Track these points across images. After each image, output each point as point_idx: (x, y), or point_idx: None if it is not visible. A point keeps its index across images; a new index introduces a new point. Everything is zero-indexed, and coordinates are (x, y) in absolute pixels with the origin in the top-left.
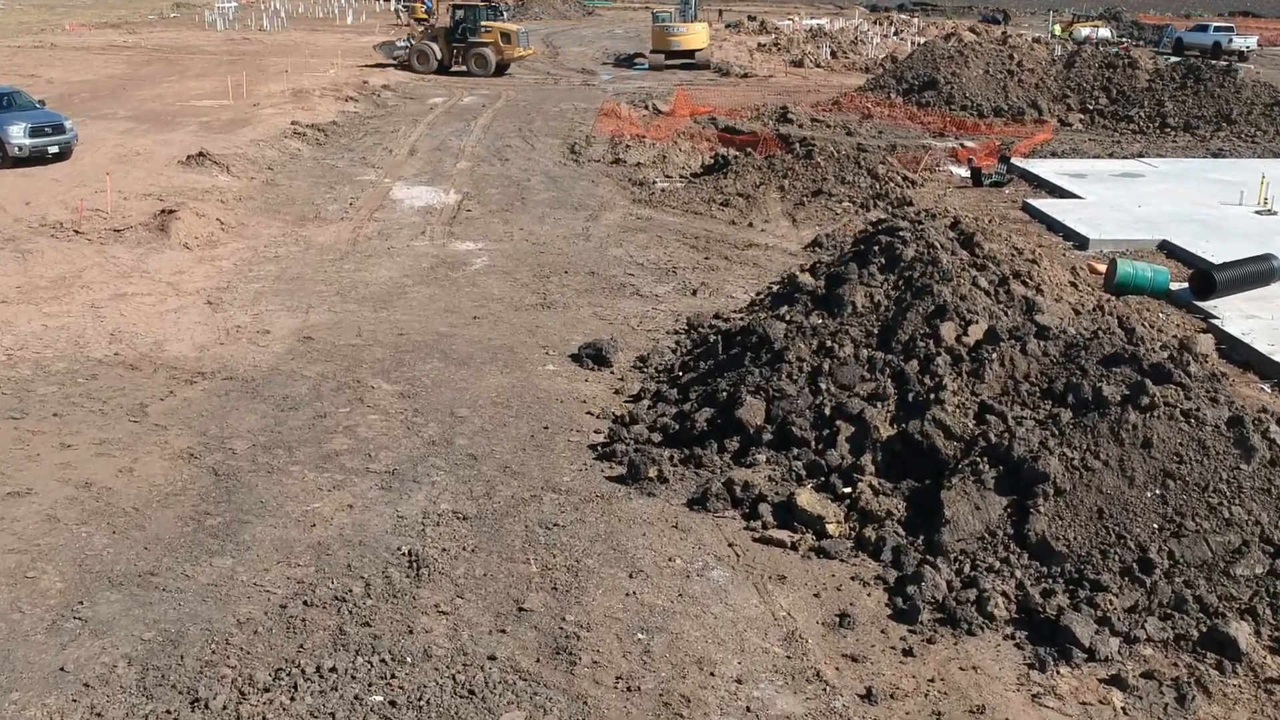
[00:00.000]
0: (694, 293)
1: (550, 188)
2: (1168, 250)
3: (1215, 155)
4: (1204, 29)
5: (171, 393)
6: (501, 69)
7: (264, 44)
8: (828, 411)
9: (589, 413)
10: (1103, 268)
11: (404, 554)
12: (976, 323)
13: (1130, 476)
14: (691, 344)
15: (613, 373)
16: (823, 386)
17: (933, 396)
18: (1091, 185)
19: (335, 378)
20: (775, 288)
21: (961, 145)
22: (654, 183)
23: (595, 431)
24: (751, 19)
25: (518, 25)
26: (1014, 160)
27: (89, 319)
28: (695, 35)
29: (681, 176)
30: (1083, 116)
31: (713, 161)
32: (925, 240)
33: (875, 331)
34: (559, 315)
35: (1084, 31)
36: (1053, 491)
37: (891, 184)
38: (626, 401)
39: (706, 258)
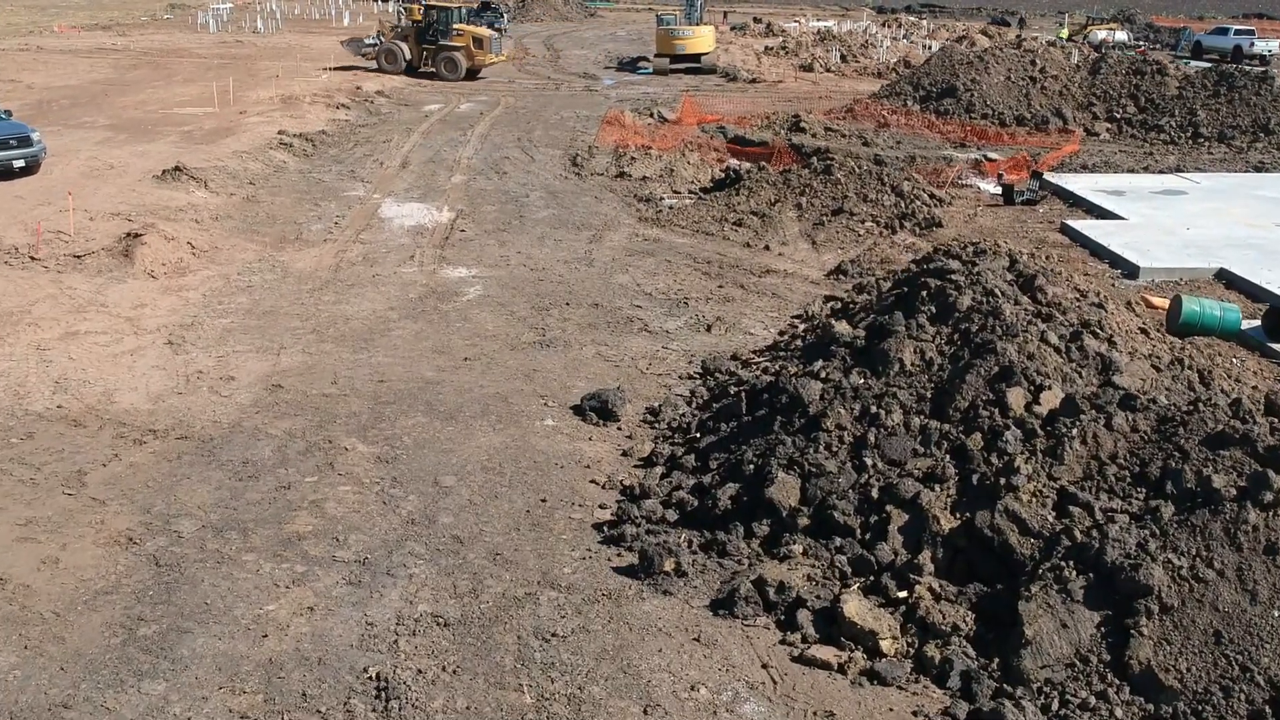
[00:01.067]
0: (708, 328)
1: (550, 204)
2: (1226, 280)
3: (1258, 169)
4: (1223, 32)
5: (116, 456)
6: (472, 74)
7: (256, 47)
8: (875, 494)
9: (593, 481)
10: (1160, 301)
11: (371, 677)
12: (1049, 388)
13: (1253, 590)
14: (708, 394)
15: (619, 429)
16: (868, 462)
17: (1003, 481)
18: (1132, 203)
19: (304, 437)
20: (802, 328)
21: (985, 157)
22: (661, 199)
23: (600, 506)
24: (757, 21)
25: (490, 31)
26: (1046, 175)
27: (33, 364)
28: (701, 39)
29: (690, 192)
30: (1110, 126)
31: (723, 176)
32: (982, 285)
33: (928, 396)
34: (559, 356)
35: (1100, 35)
36: (1158, 608)
37: (918, 202)
38: (636, 466)
39: (720, 286)
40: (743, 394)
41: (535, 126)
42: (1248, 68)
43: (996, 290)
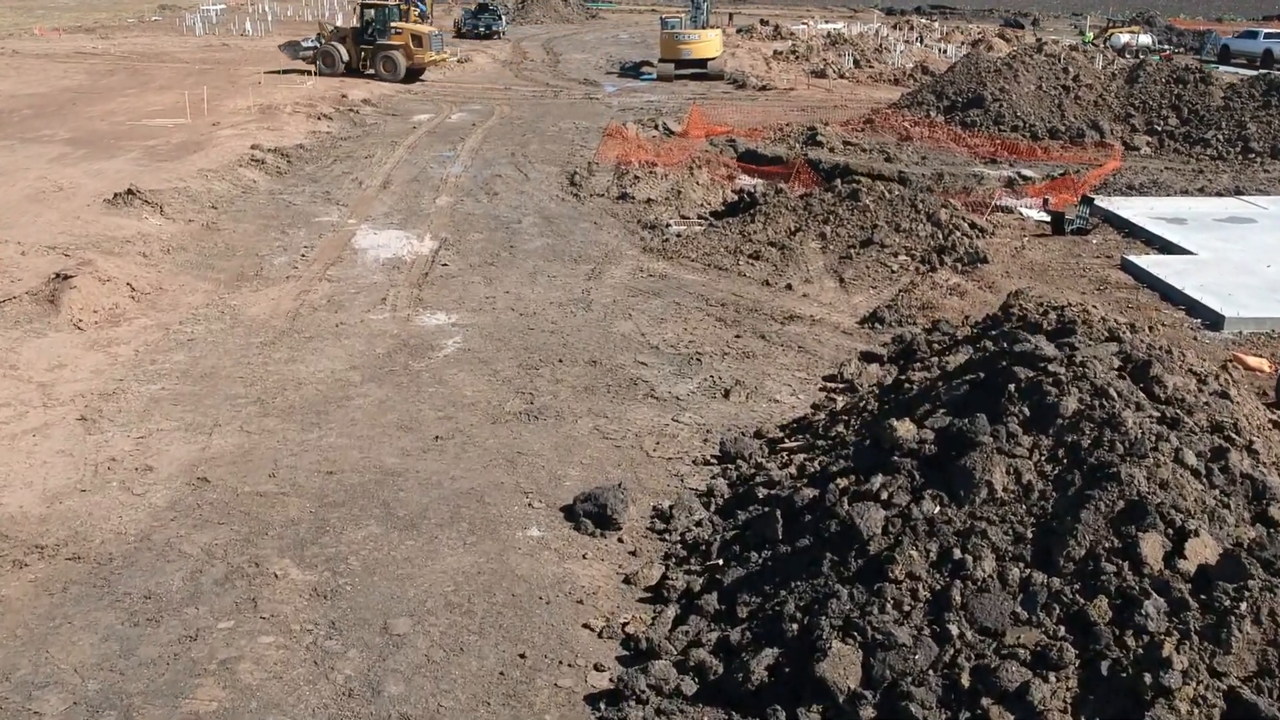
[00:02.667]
0: (725, 394)
1: (545, 231)
2: None
3: None
4: (1253, 35)
5: None
6: (414, 74)
7: (243, 50)
8: (965, 679)
9: (587, 625)
10: (1257, 363)
11: None
12: (1194, 532)
13: None
14: (730, 491)
15: (621, 540)
16: (953, 629)
17: (1148, 678)
18: (1196, 234)
19: (225, 556)
20: (841, 406)
21: (1019, 175)
22: (667, 225)
23: (596, 668)
24: (764, 23)
25: (430, 28)
26: (1097, 200)
27: None
28: (708, 43)
29: (700, 217)
30: (1150, 140)
31: (736, 199)
32: (1090, 381)
33: (1028, 535)
34: (549, 432)
35: (1123, 39)
36: None
37: (958, 233)
38: (642, 599)
39: (737, 336)
40: (777, 512)
41: (531, 139)
42: None
43: (1110, 390)
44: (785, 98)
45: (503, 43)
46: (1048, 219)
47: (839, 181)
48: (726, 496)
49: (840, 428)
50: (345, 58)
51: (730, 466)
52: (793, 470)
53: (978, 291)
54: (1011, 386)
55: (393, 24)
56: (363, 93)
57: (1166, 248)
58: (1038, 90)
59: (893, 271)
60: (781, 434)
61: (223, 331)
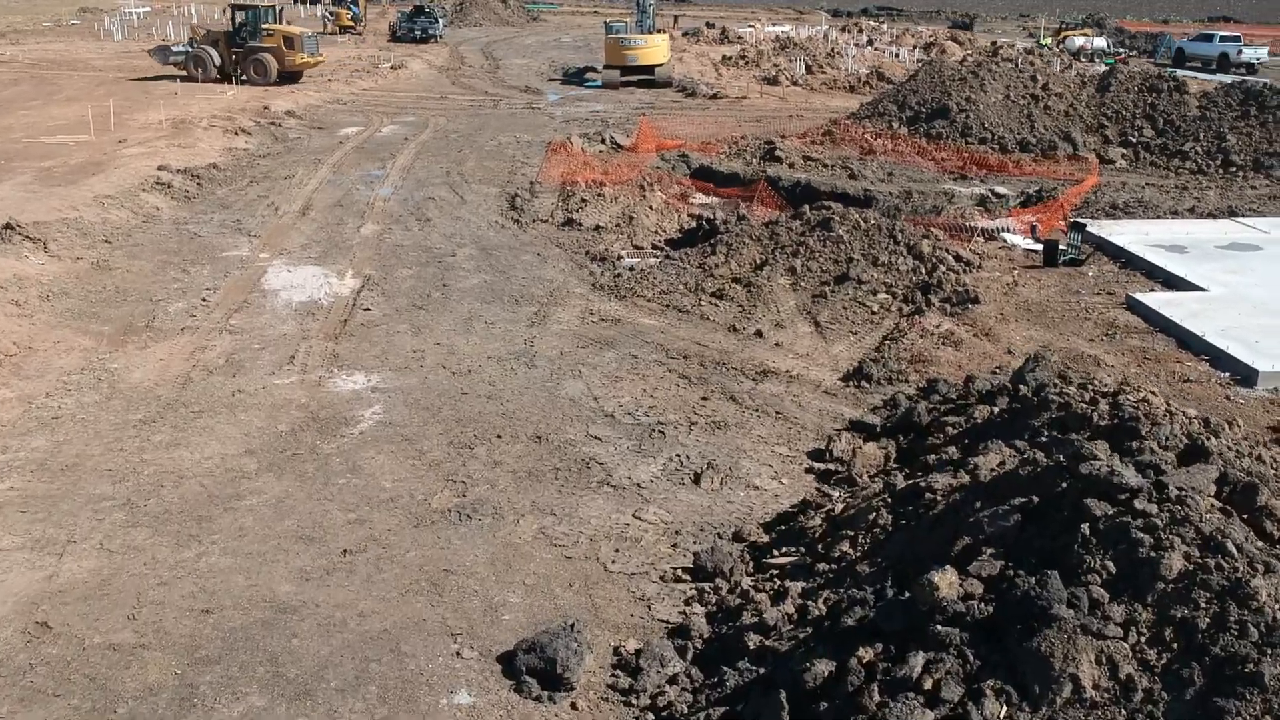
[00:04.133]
0: (695, 478)
1: (483, 266)
2: None
3: None
4: (1208, 39)
5: None
6: (287, 77)
7: None
8: None
9: None
10: None
11: None
12: None
13: None
14: (711, 629)
15: (574, 707)
16: None
17: None
18: (1200, 264)
19: None
20: (838, 504)
21: (992, 192)
22: (619, 258)
23: None
24: (710, 26)
25: (303, 29)
26: (1087, 226)
27: None
28: (655, 49)
29: (655, 247)
30: (1125, 152)
31: (694, 226)
32: (1195, 527)
33: None
34: (485, 538)
35: (1078, 41)
36: None
37: (942, 267)
38: None
39: (704, 398)
40: (781, 695)
41: (468, 155)
42: (1276, 84)
43: (1228, 542)
44: (738, 107)
45: (440, 47)
46: (1037, 248)
47: (808, 208)
48: (707, 637)
49: (846, 546)
50: (217, 62)
51: (708, 587)
52: (790, 609)
53: (973, 340)
54: (1085, 528)
55: (264, 26)
56: (287, 104)
57: (1171, 281)
58: (1006, 100)
59: (873, 313)
60: (767, 537)
61: (96, 405)
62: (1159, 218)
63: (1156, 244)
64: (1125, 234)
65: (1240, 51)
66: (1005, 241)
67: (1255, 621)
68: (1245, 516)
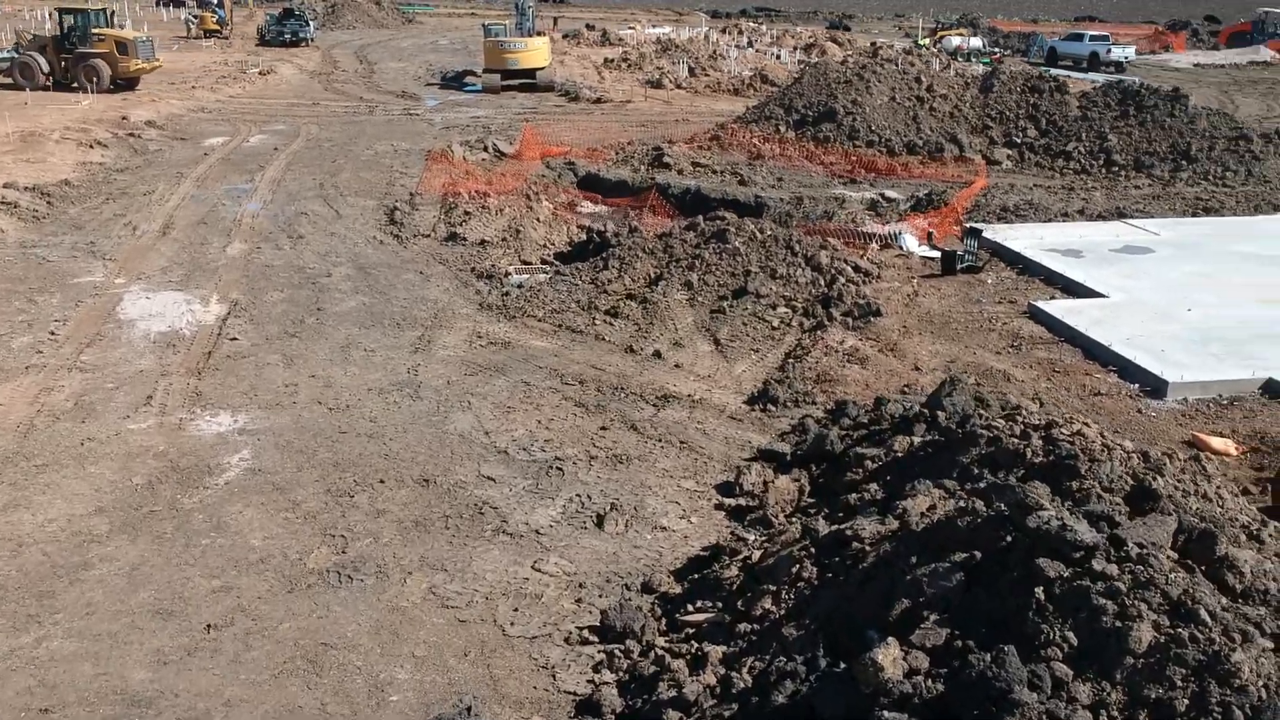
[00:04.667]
0: (599, 521)
1: (361, 287)
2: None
3: (1207, 210)
4: (1079, 38)
5: None
6: (123, 84)
7: None
8: None
9: None
10: (1223, 445)
11: None
12: None
13: None
14: (624, 704)
15: None
16: None
17: None
18: (1097, 269)
19: None
20: (757, 551)
21: (882, 196)
22: (507, 274)
23: None
24: (590, 28)
25: (136, 34)
26: (970, 227)
27: None
28: (535, 52)
29: (544, 261)
30: (1010, 152)
31: (585, 239)
32: (1158, 589)
33: None
34: (368, 602)
35: (954, 41)
36: None
37: (841, 279)
38: None
39: (604, 428)
40: None
41: (343, 166)
42: (1154, 85)
43: (1200, 609)
44: (622, 111)
45: (311, 51)
46: (934, 255)
47: (702, 219)
48: (620, 712)
49: (768, 602)
50: (46, 68)
51: (618, 650)
52: (711, 679)
53: (879, 356)
54: (1040, 593)
55: (94, 31)
56: (147, 113)
57: (1071, 288)
58: (891, 102)
59: (774, 328)
60: (679, 588)
61: None
62: (1050, 220)
63: (1052, 248)
64: (1020, 238)
65: (1109, 50)
66: (902, 248)
67: (1239, 703)
68: (1204, 568)
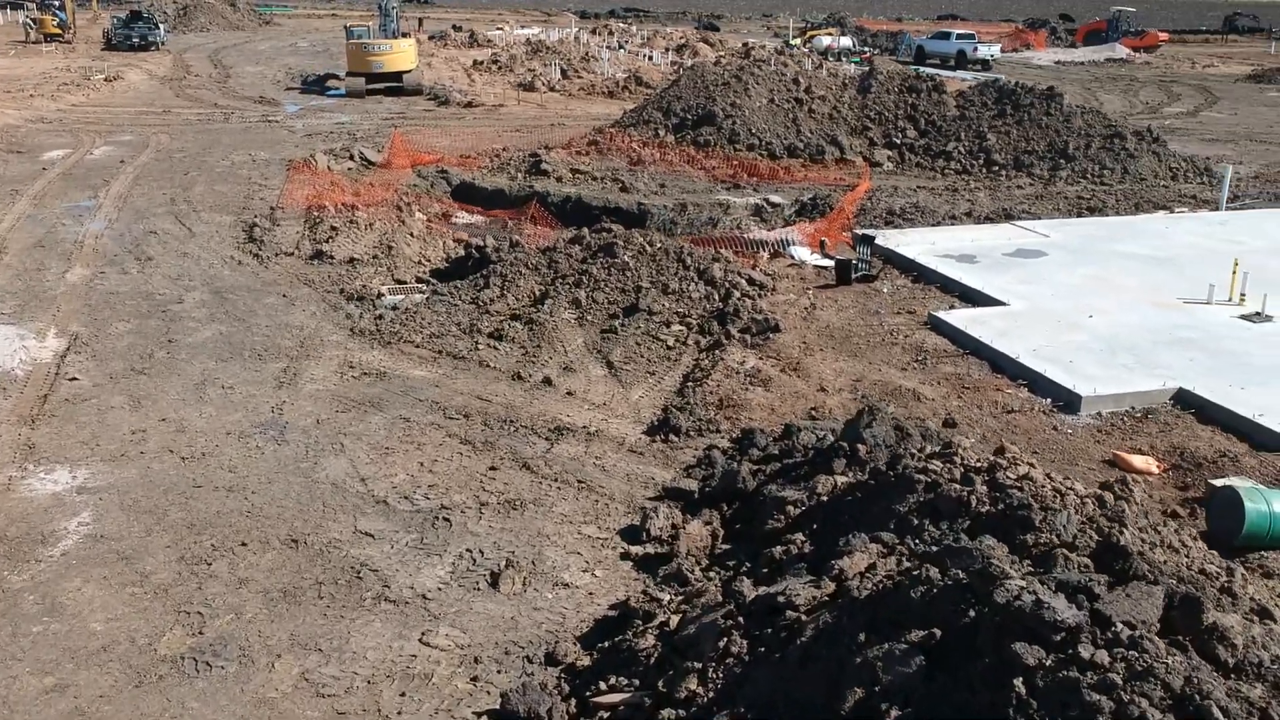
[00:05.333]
0: (493, 580)
1: (217, 314)
2: (1194, 407)
3: (1091, 210)
4: (946, 36)
5: None
6: None
7: None
8: None
9: None
10: (1144, 464)
11: None
12: None
13: None
14: None
15: None
16: None
17: None
18: (993, 275)
19: None
20: (669, 611)
21: (766, 201)
22: (380, 296)
23: None
24: (457, 29)
25: None
26: (859, 233)
27: None
28: (401, 54)
29: (420, 280)
30: (891, 154)
31: (463, 255)
32: (1154, 677)
33: None
34: (229, 697)
35: (825, 41)
36: None
37: (736, 293)
38: None
39: (493, 469)
40: None
41: (197, 179)
42: (1029, 84)
43: (1211, 706)
44: (495, 115)
45: (162, 55)
46: (827, 264)
47: (587, 232)
48: None
49: (694, 683)
50: None
51: None
52: None
53: (782, 377)
54: (1020, 685)
55: None
56: None
57: (969, 295)
58: (770, 104)
59: (669, 348)
60: (588, 658)
61: None
62: (939, 223)
63: (946, 254)
64: (912, 244)
65: (976, 49)
66: (794, 258)
67: None
68: (1193, 641)
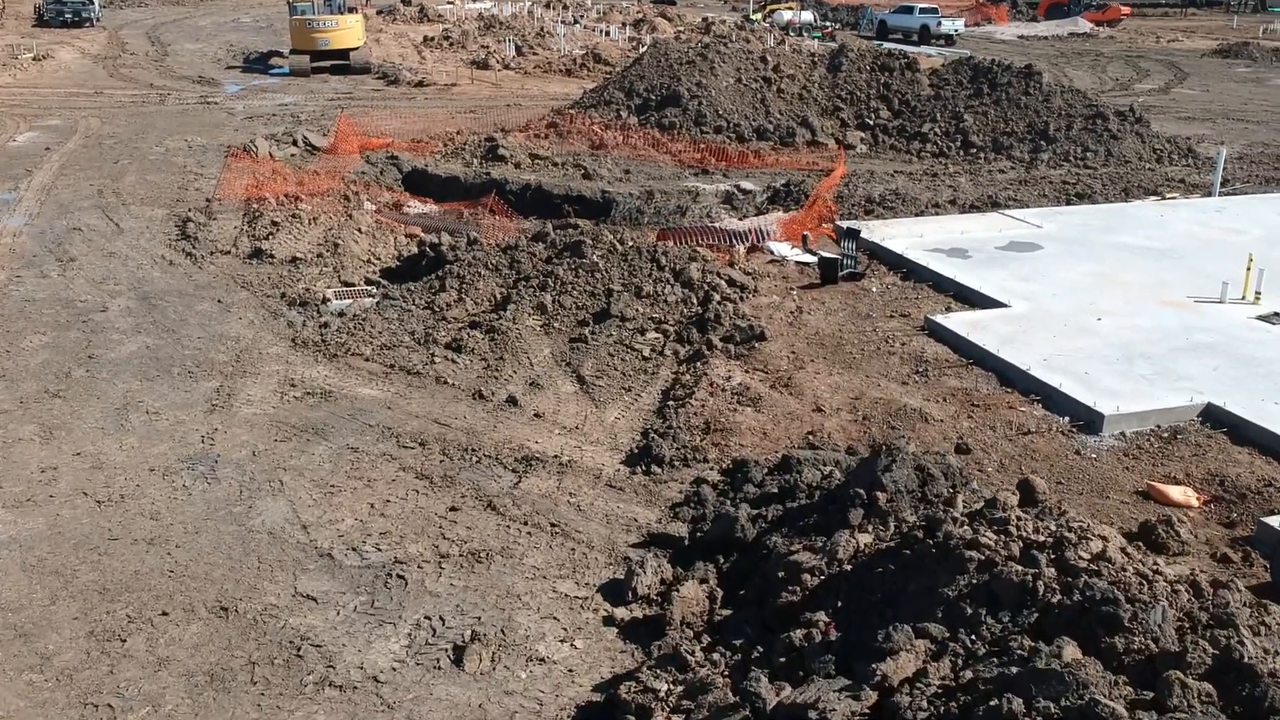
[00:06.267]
0: (457, 655)
1: (144, 323)
2: (1225, 425)
3: (1079, 196)
4: (908, 10)
5: None
6: None
7: None
8: None
9: None
10: (1181, 496)
11: None
12: None
13: None
14: None
15: None
16: None
17: None
18: (988, 271)
19: None
20: (657, 696)
21: (738, 188)
22: (325, 301)
23: None
24: (407, 3)
25: None
26: (847, 225)
27: None
28: (348, 30)
29: (369, 282)
30: (864, 135)
31: (417, 254)
32: None
33: None
34: None
35: (786, 15)
36: None
37: (717, 295)
38: None
39: (454, 510)
40: None
41: (128, 168)
42: (1005, 61)
43: None
44: (448, 95)
45: (96, 32)
46: (809, 260)
47: (551, 228)
48: None
49: None
50: None
51: None
52: None
53: (773, 395)
54: None
55: None
56: None
57: (965, 295)
58: (738, 84)
59: (645, 358)
60: None
61: None
62: (922, 212)
63: (935, 248)
64: (899, 237)
65: (939, 24)
66: (773, 253)
67: None
68: None
